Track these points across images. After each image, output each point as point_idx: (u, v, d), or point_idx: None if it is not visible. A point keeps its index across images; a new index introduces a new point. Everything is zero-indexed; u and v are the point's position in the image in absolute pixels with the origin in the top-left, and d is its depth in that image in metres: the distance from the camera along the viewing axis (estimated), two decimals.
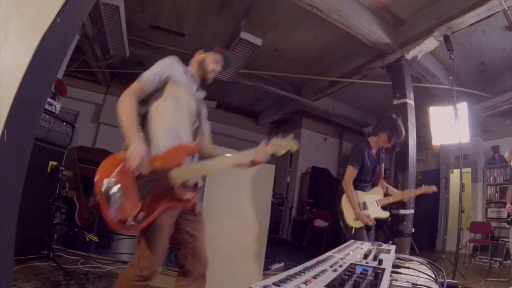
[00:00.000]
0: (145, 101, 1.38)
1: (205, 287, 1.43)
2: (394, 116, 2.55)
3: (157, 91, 1.37)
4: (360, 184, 2.51)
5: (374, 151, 2.55)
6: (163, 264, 1.32)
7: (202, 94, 1.55)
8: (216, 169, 1.38)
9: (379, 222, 2.61)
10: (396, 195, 2.61)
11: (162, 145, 1.31)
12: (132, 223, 1.17)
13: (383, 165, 2.66)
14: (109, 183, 1.16)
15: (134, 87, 1.33)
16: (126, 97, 1.30)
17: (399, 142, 2.56)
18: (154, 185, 1.24)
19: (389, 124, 2.47)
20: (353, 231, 2.41)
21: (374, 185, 2.62)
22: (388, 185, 2.74)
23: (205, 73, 1.53)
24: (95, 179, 1.18)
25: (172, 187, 1.25)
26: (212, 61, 1.53)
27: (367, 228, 2.48)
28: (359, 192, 2.49)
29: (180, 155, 1.31)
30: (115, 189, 1.16)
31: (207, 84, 1.56)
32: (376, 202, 2.50)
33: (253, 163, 1.36)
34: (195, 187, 1.39)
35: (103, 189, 1.16)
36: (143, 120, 1.37)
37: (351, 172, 2.43)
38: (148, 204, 1.21)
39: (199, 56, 1.55)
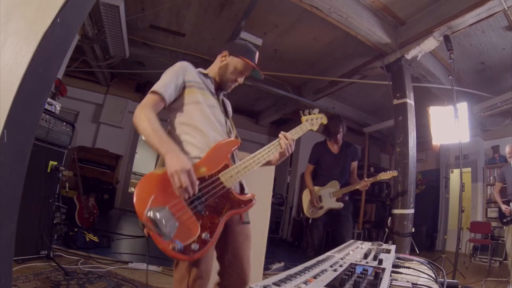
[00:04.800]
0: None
1: None
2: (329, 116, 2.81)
3: (175, 102, 1.24)
4: (321, 178, 2.88)
5: (333, 149, 2.90)
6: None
7: (222, 93, 1.41)
8: (261, 163, 1.24)
9: (378, 221, 2.71)
10: (352, 185, 2.81)
11: (197, 155, 1.18)
12: (198, 247, 0.99)
13: (354, 163, 2.92)
14: (155, 209, 0.95)
15: (150, 99, 1.16)
16: (142, 108, 1.13)
17: (343, 132, 2.87)
18: (208, 196, 1.08)
19: (327, 126, 2.69)
20: (309, 221, 2.85)
21: (347, 182, 2.89)
22: (357, 179, 2.94)
23: (223, 81, 1.36)
24: (137, 209, 0.97)
25: (228, 192, 1.13)
26: (233, 70, 1.34)
27: (336, 221, 2.77)
28: (316, 188, 2.85)
29: (225, 153, 1.18)
30: (164, 214, 0.95)
31: (226, 91, 1.41)
32: (330, 194, 2.79)
33: (281, 156, 1.34)
34: (242, 188, 1.28)
35: (150, 218, 0.93)
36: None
37: (307, 167, 2.98)
38: (208, 220, 1.05)
39: (222, 58, 1.36)
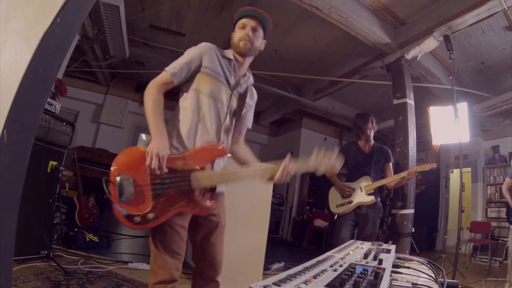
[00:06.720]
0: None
1: None
2: (357, 113, 2.93)
3: (186, 83, 1.28)
4: (352, 175, 2.76)
5: (365, 149, 2.80)
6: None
7: (246, 81, 1.40)
8: (241, 180, 1.28)
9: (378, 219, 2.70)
10: (383, 180, 2.71)
11: (182, 146, 1.23)
12: (139, 220, 1.10)
13: (389, 164, 2.81)
14: (122, 176, 1.10)
15: (161, 77, 1.24)
16: (153, 86, 1.22)
17: (374, 128, 2.79)
18: (171, 186, 1.15)
19: (355, 122, 2.84)
20: (335, 217, 2.77)
21: (382, 186, 2.77)
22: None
23: (239, 48, 1.33)
24: (111, 168, 1.12)
25: (191, 191, 1.17)
26: (236, 32, 1.35)
27: (363, 222, 2.62)
28: (347, 183, 2.73)
29: (205, 157, 1.22)
30: (127, 183, 1.10)
31: (251, 56, 1.38)
32: (361, 188, 2.67)
33: (269, 180, 1.22)
34: (213, 193, 1.27)
35: (116, 180, 1.09)
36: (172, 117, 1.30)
37: None
38: (160, 205, 1.13)
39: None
